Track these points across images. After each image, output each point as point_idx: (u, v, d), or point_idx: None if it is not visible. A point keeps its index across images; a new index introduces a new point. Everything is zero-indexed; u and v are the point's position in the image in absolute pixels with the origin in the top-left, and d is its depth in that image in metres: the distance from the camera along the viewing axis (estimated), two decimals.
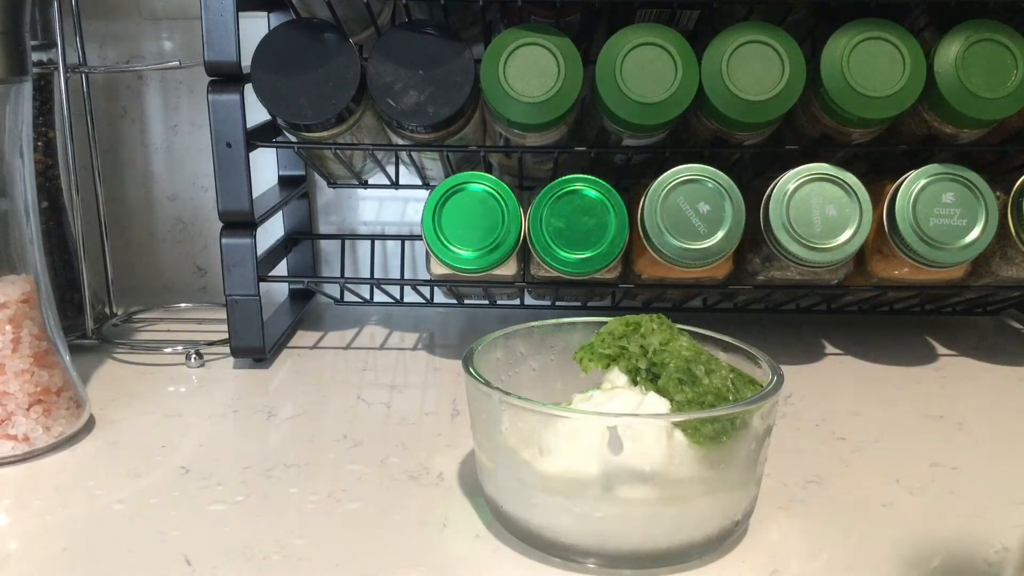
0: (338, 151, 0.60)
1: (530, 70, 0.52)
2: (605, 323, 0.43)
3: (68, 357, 0.50)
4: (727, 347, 0.43)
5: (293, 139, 0.60)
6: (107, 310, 0.68)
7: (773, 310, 0.68)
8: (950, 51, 0.52)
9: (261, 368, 0.61)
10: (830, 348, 0.64)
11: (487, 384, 0.38)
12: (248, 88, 0.56)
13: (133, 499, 0.43)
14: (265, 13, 0.68)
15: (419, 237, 0.71)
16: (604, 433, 0.35)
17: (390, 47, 0.54)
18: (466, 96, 0.54)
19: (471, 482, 0.44)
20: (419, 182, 0.71)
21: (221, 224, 0.58)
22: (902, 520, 0.42)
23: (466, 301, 0.70)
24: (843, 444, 0.50)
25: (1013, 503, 0.43)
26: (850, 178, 0.54)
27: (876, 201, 0.55)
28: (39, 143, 0.62)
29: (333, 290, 0.70)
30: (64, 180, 0.64)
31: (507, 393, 0.37)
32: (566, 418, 0.37)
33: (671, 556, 0.37)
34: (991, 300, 0.64)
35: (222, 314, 0.61)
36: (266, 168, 0.71)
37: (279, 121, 0.57)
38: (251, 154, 0.57)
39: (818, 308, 0.69)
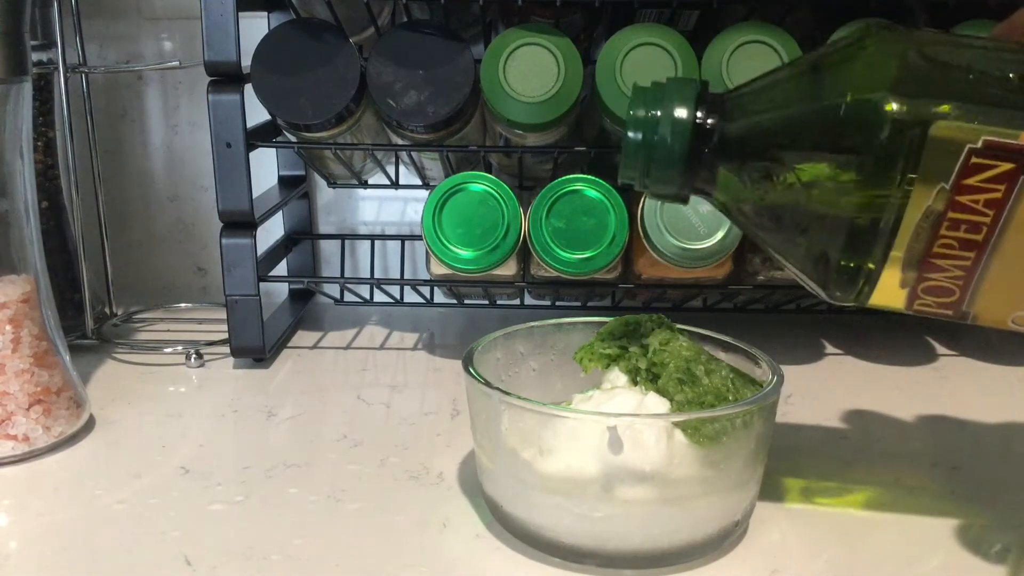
0: (338, 151, 0.60)
1: (530, 70, 0.52)
2: (605, 323, 0.43)
3: (68, 357, 0.50)
4: (727, 347, 0.43)
5: (293, 139, 0.60)
6: (107, 310, 0.68)
7: (773, 310, 0.68)
8: None
9: (261, 368, 0.61)
10: (830, 348, 0.64)
11: (487, 384, 0.38)
12: (248, 88, 0.56)
13: (133, 499, 0.43)
14: (265, 13, 0.68)
15: (419, 237, 0.71)
16: (604, 433, 0.35)
17: (390, 47, 0.54)
18: (466, 96, 0.54)
19: (471, 482, 0.44)
20: (419, 182, 0.71)
21: (221, 224, 0.58)
22: (902, 520, 0.42)
23: (466, 301, 0.70)
24: (843, 444, 0.50)
25: (1013, 503, 0.43)
26: None
27: None
28: (39, 143, 0.62)
29: (333, 290, 0.70)
30: (64, 180, 0.64)
31: (507, 393, 0.37)
32: (566, 418, 0.37)
33: (671, 556, 0.37)
34: None
35: (222, 314, 0.61)
36: (266, 168, 0.71)
37: (279, 121, 0.57)
38: (251, 154, 0.57)
39: (818, 308, 0.69)
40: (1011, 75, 0.32)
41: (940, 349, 0.64)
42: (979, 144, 0.30)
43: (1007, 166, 0.31)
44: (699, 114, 0.35)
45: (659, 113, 0.35)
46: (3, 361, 0.46)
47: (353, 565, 0.38)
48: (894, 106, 0.31)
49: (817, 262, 0.34)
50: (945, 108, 0.31)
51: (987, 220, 0.31)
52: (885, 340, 0.65)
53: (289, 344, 0.66)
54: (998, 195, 0.31)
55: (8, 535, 0.41)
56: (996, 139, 0.30)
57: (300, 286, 0.72)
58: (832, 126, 0.32)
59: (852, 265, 0.33)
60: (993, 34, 0.36)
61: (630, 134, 0.36)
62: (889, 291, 0.34)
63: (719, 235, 0.54)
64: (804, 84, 0.34)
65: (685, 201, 0.37)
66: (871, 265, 0.33)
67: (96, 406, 0.53)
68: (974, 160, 0.31)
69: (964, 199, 0.31)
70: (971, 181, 0.31)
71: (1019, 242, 0.32)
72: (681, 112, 0.35)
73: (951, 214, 0.31)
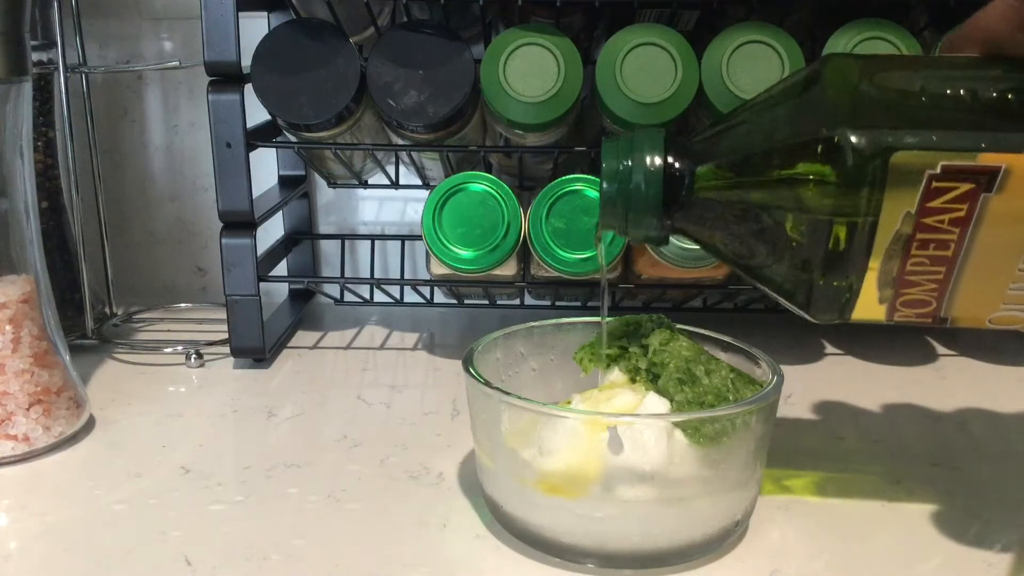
0: (338, 151, 0.60)
1: (530, 70, 0.52)
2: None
3: (68, 357, 0.50)
4: (727, 347, 0.43)
5: (293, 139, 0.60)
6: (107, 310, 0.68)
7: (773, 310, 0.68)
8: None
9: (261, 368, 0.61)
10: (830, 348, 0.64)
11: (487, 384, 0.38)
12: (248, 88, 0.56)
13: (133, 499, 0.43)
14: (265, 13, 0.68)
15: (419, 237, 0.71)
16: (604, 433, 0.35)
17: (390, 47, 0.54)
18: (466, 96, 0.54)
19: (471, 482, 0.44)
20: (419, 182, 0.71)
21: (221, 224, 0.58)
22: (902, 520, 0.42)
23: (466, 301, 0.70)
24: (843, 444, 0.50)
25: (1013, 503, 0.43)
26: None
27: None
28: (39, 143, 0.62)
29: (333, 290, 0.70)
30: (64, 180, 0.64)
31: (507, 393, 0.37)
32: (566, 418, 0.37)
33: (671, 556, 0.37)
34: None
35: (222, 314, 0.61)
36: (266, 168, 0.71)
37: (279, 121, 0.57)
38: (251, 154, 0.57)
39: None
40: (962, 92, 0.33)
41: (940, 349, 0.64)
42: (938, 169, 0.31)
43: (967, 186, 0.32)
44: (669, 159, 0.36)
45: (631, 163, 0.37)
46: (3, 361, 0.46)
47: (353, 565, 0.38)
48: (853, 140, 0.32)
49: (797, 287, 0.35)
50: (902, 137, 0.32)
51: (953, 237, 0.32)
52: (885, 340, 0.65)
53: (289, 344, 0.66)
54: (961, 214, 0.32)
55: (8, 535, 0.41)
56: (953, 163, 0.31)
57: (300, 286, 0.72)
58: (796, 163, 0.33)
59: (831, 288, 0.34)
60: (945, 42, 0.36)
61: (605, 185, 0.37)
62: (869, 307, 0.35)
63: None
64: (766, 123, 0.36)
65: (665, 242, 0.39)
66: (849, 288, 0.34)
67: (96, 406, 0.53)
68: (935, 184, 0.32)
69: (929, 220, 0.32)
70: (934, 204, 0.32)
71: (986, 252, 0.33)
72: (652, 160, 0.36)
73: (919, 235, 0.33)
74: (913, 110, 0.33)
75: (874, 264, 0.33)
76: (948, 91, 0.33)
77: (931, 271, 0.33)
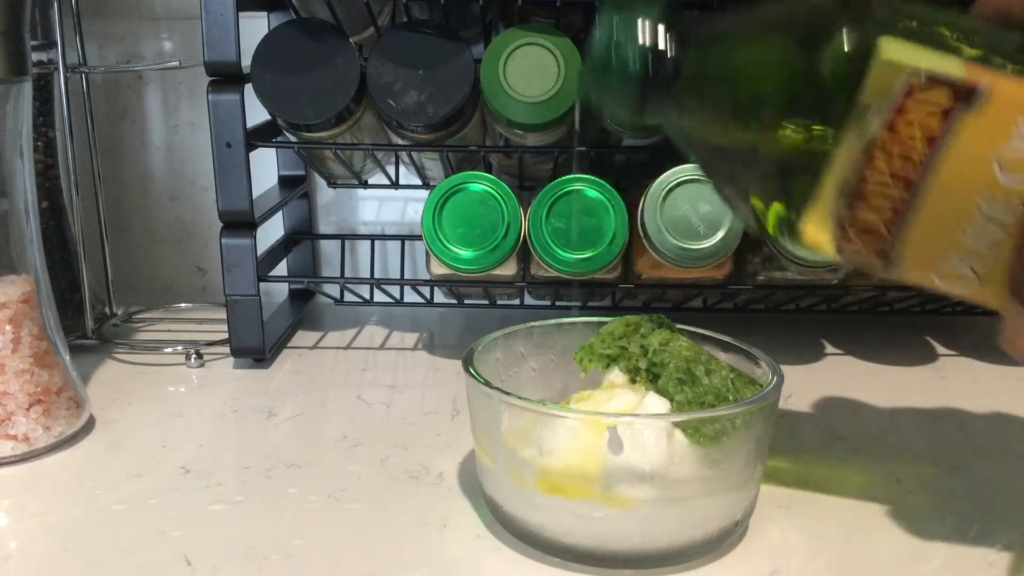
0: (338, 151, 0.60)
1: (530, 70, 0.53)
2: (605, 323, 0.43)
3: (68, 357, 0.50)
4: (727, 347, 0.43)
5: (293, 139, 0.60)
6: (107, 310, 0.68)
7: (773, 310, 0.68)
8: None
9: (261, 368, 0.61)
10: (830, 348, 0.64)
11: (487, 384, 0.38)
12: (248, 88, 0.56)
13: (133, 499, 0.43)
14: (265, 13, 0.68)
15: (419, 237, 0.71)
16: (604, 433, 0.35)
17: (390, 47, 0.54)
18: (466, 96, 0.54)
19: (471, 482, 0.44)
20: (419, 182, 0.71)
21: (221, 224, 0.58)
22: (902, 520, 0.42)
23: (466, 301, 0.70)
24: (843, 444, 0.50)
25: (1013, 503, 0.43)
26: None
27: None
28: (39, 143, 0.62)
29: (333, 290, 0.70)
30: (64, 180, 0.64)
31: (507, 393, 0.37)
32: (566, 418, 0.37)
33: (671, 556, 0.37)
34: None
35: (222, 314, 0.61)
36: (266, 168, 0.71)
37: (279, 121, 0.57)
38: (251, 154, 0.57)
39: (818, 308, 0.68)
40: (967, 40, 0.32)
41: (940, 349, 0.64)
42: (922, 77, 0.31)
43: (946, 100, 0.31)
44: (660, 35, 0.35)
45: (619, 34, 0.35)
46: (3, 361, 0.46)
47: (353, 565, 0.38)
48: (846, 30, 0.31)
49: (765, 184, 0.34)
50: (894, 36, 0.31)
51: (920, 155, 0.31)
52: (885, 340, 0.65)
53: (289, 344, 0.66)
54: (933, 130, 0.31)
55: (8, 535, 0.41)
56: (937, 71, 0.31)
57: (300, 286, 0.72)
58: (787, 49, 0.33)
59: (789, 180, 0.34)
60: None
61: (594, 50, 0.36)
62: (820, 219, 0.34)
63: (719, 235, 0.54)
64: (765, 12, 0.35)
65: (638, 128, 0.38)
66: (803, 188, 0.33)
67: (96, 406, 0.53)
68: (916, 94, 0.31)
69: (901, 129, 0.31)
70: (910, 114, 0.31)
71: (949, 180, 0.32)
72: (644, 33, 0.35)
73: (887, 145, 0.32)
74: (915, 30, 0.32)
75: (837, 163, 0.32)
76: (956, 33, 0.32)
77: (891, 191, 0.32)
